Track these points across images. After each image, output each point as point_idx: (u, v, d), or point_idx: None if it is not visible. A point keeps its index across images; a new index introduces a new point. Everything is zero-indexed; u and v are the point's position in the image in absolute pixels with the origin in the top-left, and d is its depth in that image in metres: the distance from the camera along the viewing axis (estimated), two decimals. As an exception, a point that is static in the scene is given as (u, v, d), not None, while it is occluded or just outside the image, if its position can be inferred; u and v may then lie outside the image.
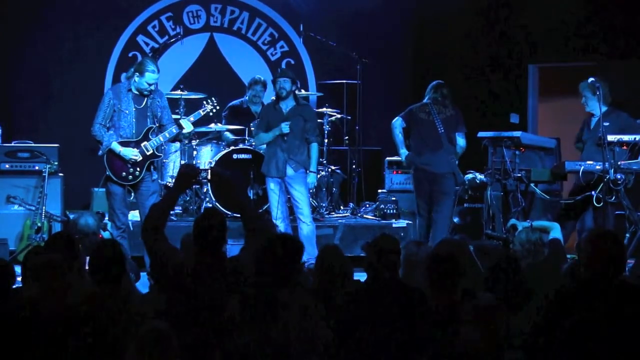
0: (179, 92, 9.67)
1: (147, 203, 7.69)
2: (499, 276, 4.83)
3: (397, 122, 8.71)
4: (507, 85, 10.82)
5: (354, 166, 10.51)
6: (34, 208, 8.94)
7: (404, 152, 8.70)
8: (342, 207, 10.21)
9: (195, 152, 9.52)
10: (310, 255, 7.24)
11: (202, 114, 8.33)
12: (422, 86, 9.00)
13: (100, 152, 7.79)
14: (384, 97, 11.05)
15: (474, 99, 10.59)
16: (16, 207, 9.17)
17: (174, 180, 5.70)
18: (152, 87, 7.81)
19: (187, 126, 7.99)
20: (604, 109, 8.48)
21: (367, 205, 10.21)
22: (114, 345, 4.20)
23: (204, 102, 8.53)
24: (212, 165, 9.16)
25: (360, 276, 5.27)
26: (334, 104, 10.53)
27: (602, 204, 8.13)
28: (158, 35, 11.14)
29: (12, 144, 9.49)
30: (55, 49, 10.88)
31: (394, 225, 9.45)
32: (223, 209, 8.89)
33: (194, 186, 9.00)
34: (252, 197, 9.14)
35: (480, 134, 9.26)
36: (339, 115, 10.35)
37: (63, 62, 10.90)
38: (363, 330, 4.54)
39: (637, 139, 8.27)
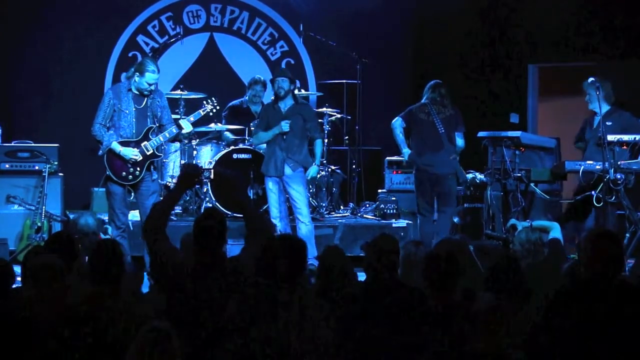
0: (179, 92, 9.68)
1: (147, 203, 7.70)
2: (499, 276, 4.83)
3: (397, 122, 8.72)
4: (507, 85, 10.82)
5: (354, 166, 10.52)
6: (34, 208, 8.94)
7: (406, 151, 8.69)
8: (342, 207, 10.21)
9: (195, 152, 9.52)
10: (309, 255, 7.24)
11: (202, 113, 8.33)
12: (422, 86, 9.00)
13: (100, 152, 7.79)
14: (384, 97, 11.05)
15: (474, 99, 10.59)
16: (16, 207, 9.17)
17: (176, 180, 5.71)
18: (152, 87, 7.81)
19: (187, 126, 7.99)
20: (607, 108, 8.49)
21: (367, 205, 10.21)
22: (114, 345, 4.20)
23: (204, 102, 8.54)
24: (213, 165, 9.16)
25: (360, 276, 5.28)
26: (334, 103, 10.54)
27: (602, 204, 8.13)
28: (158, 35, 11.15)
29: (12, 144, 9.49)
30: (55, 49, 10.88)
31: (394, 225, 9.45)
32: (223, 209, 8.90)
33: (195, 186, 9.00)
34: (252, 197, 9.14)
35: (480, 134, 9.27)
36: (338, 115, 10.35)
37: (63, 62, 10.90)
38: (363, 330, 4.55)
39: (637, 138, 8.27)
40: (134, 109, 7.81)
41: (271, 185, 8.60)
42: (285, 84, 8.54)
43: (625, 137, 8.28)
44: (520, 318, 4.63)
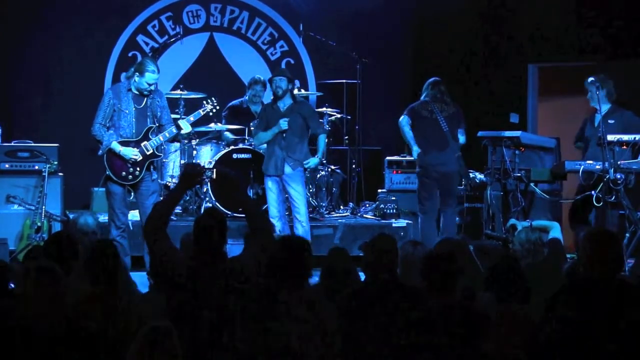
0: (178, 91, 9.67)
1: (147, 203, 7.70)
2: (499, 276, 4.83)
3: (404, 120, 8.69)
4: (507, 85, 10.81)
5: (353, 166, 10.52)
6: (33, 208, 8.94)
7: (416, 149, 8.66)
8: (342, 207, 10.22)
9: (195, 152, 9.52)
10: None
11: (202, 113, 8.34)
12: (422, 86, 9.00)
13: (100, 151, 7.79)
14: (383, 97, 11.06)
15: (474, 99, 10.59)
16: (16, 206, 9.17)
17: (178, 180, 5.71)
18: (152, 87, 7.81)
19: (185, 127, 7.99)
20: (608, 106, 8.50)
21: (367, 205, 10.21)
22: (113, 346, 4.20)
23: (204, 102, 8.54)
24: (213, 164, 9.16)
25: (360, 276, 5.29)
26: (334, 103, 10.54)
27: (602, 203, 8.13)
28: (158, 35, 11.14)
29: (12, 144, 9.49)
30: (55, 49, 10.87)
31: (393, 225, 9.45)
32: (223, 209, 8.90)
33: (196, 186, 9.00)
34: (252, 197, 9.14)
35: (480, 134, 9.27)
36: (338, 115, 10.35)
37: (63, 62, 10.89)
38: (362, 330, 4.55)
39: (637, 138, 8.27)
40: (134, 108, 7.81)
41: (271, 185, 8.61)
42: (283, 84, 8.55)
43: (626, 137, 8.28)
44: (521, 318, 4.64)
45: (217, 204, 9.10)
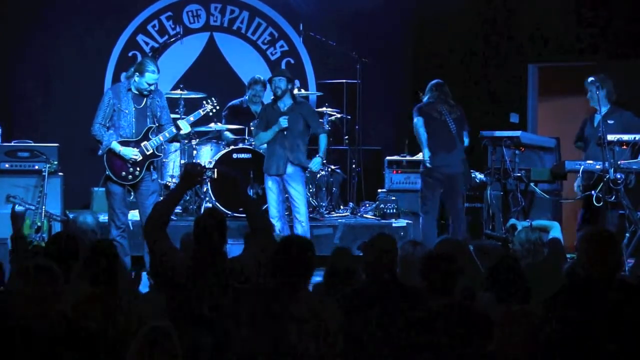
0: (178, 91, 9.68)
1: (147, 203, 7.70)
2: (499, 276, 4.83)
3: (420, 121, 8.64)
4: (507, 85, 10.81)
5: (353, 166, 10.52)
6: (33, 207, 8.93)
7: (428, 152, 8.65)
8: (342, 207, 10.22)
9: (195, 152, 9.52)
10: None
11: (202, 113, 8.34)
12: (422, 86, 9.00)
13: (100, 151, 7.79)
14: (383, 97, 11.06)
15: (474, 99, 10.59)
16: (21, 207, 9.16)
17: (179, 179, 5.71)
18: (152, 88, 7.81)
19: (185, 127, 7.98)
20: (607, 106, 8.50)
21: (367, 205, 10.22)
22: (113, 346, 4.20)
23: (204, 102, 8.54)
24: (213, 164, 9.16)
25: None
26: (334, 103, 10.54)
27: (602, 203, 8.13)
28: (158, 34, 11.14)
29: (12, 144, 9.48)
30: (55, 49, 10.87)
31: (393, 224, 9.45)
32: (223, 209, 8.90)
33: (196, 185, 9.01)
34: (252, 197, 9.14)
35: (481, 134, 9.27)
36: (338, 115, 10.35)
37: (63, 62, 10.89)
38: (362, 330, 4.54)
39: (637, 138, 8.27)
40: (134, 108, 7.81)
41: (271, 184, 8.61)
42: (282, 84, 8.55)
43: (626, 137, 8.28)
44: (521, 318, 4.64)
45: (217, 204, 9.10)
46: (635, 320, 4.22)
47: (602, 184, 8.11)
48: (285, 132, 8.53)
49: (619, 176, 8.05)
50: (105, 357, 4.16)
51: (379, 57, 10.81)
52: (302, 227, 8.54)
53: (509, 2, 10.82)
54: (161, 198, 8.34)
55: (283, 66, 10.99)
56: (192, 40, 11.05)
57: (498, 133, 9.18)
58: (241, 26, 11.34)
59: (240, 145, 9.49)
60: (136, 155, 7.75)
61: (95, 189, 9.86)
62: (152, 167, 7.90)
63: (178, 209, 9.38)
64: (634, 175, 8.25)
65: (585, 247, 4.43)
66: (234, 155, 9.32)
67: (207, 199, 9.36)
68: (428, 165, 8.60)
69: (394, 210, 9.71)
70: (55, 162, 9.26)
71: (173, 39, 10.61)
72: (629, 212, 8.18)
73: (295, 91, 8.97)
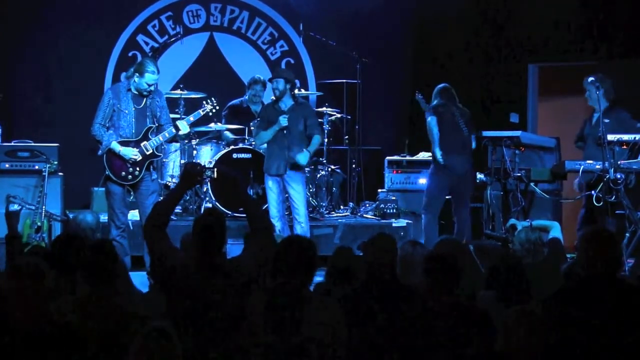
0: (178, 91, 9.67)
1: (146, 202, 7.71)
2: (499, 276, 4.83)
3: (434, 121, 8.74)
4: (507, 85, 10.82)
5: (353, 166, 10.52)
6: (33, 207, 8.94)
7: (439, 150, 8.69)
8: (342, 207, 10.22)
9: (195, 152, 9.52)
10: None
11: (202, 113, 8.34)
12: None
13: (100, 151, 7.79)
14: (383, 97, 11.06)
15: (474, 99, 10.59)
16: (16, 206, 9.16)
17: (178, 179, 5.70)
18: (152, 88, 7.81)
19: (183, 128, 7.98)
20: (605, 105, 8.50)
21: (367, 205, 10.21)
22: (113, 346, 4.20)
23: (204, 102, 8.54)
24: (213, 164, 9.16)
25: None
26: (334, 103, 10.54)
27: (602, 203, 8.13)
28: (158, 34, 11.14)
29: (12, 144, 9.48)
30: (55, 49, 10.87)
31: (393, 224, 9.46)
32: (223, 209, 8.90)
33: (196, 185, 9.00)
34: (252, 197, 9.14)
35: (481, 134, 9.27)
36: (338, 115, 10.35)
37: (63, 62, 10.89)
38: (362, 330, 4.55)
39: (637, 138, 8.27)
40: (134, 108, 7.81)
41: (271, 184, 8.61)
42: (280, 85, 8.56)
43: (625, 137, 8.28)
44: (521, 318, 4.63)
45: (217, 203, 9.10)
46: (635, 320, 4.22)
47: (602, 184, 8.11)
48: (285, 132, 8.53)
49: (619, 176, 8.05)
50: (105, 357, 4.15)
51: (379, 57, 10.81)
52: (301, 228, 8.54)
53: (509, 2, 10.82)
54: (161, 198, 8.34)
55: (283, 66, 11.00)
56: (192, 40, 11.05)
57: (498, 133, 9.18)
58: (241, 26, 11.34)
59: (240, 145, 9.49)
60: (136, 155, 7.76)
61: (95, 189, 9.86)
62: (151, 167, 7.90)
63: (178, 209, 9.38)
64: (634, 175, 8.25)
65: (585, 246, 4.43)
66: (234, 155, 9.32)
67: (207, 199, 9.35)
68: (441, 162, 8.64)
69: (394, 210, 9.72)
70: (55, 162, 9.26)
71: (173, 39, 10.61)
72: (629, 212, 8.18)
73: (295, 91, 8.96)
